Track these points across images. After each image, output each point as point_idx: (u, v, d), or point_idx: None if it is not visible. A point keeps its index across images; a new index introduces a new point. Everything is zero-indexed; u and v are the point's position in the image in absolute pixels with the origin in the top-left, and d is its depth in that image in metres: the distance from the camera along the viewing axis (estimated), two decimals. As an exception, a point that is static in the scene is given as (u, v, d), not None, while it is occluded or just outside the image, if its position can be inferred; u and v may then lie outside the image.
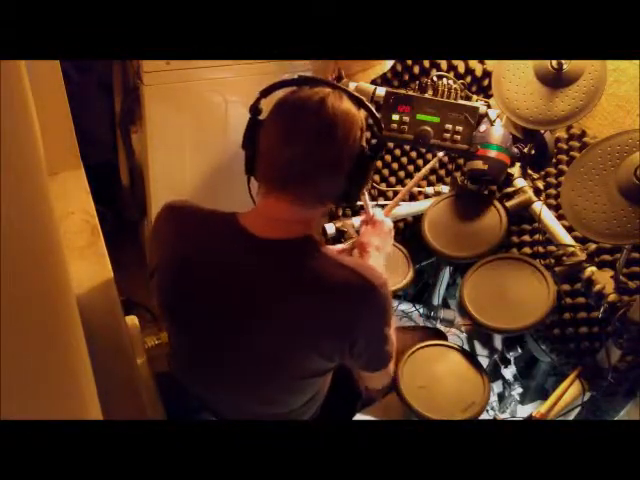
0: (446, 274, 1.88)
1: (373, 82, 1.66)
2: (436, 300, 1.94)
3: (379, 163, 1.78)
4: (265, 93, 0.92)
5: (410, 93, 1.47)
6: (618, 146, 1.14)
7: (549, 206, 1.47)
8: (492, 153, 1.37)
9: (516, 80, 1.33)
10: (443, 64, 1.64)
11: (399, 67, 1.71)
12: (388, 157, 1.78)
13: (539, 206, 1.40)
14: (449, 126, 1.43)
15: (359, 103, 0.86)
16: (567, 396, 1.33)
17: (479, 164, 1.38)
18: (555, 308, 1.29)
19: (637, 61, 1.33)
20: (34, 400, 0.45)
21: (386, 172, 1.79)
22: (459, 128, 1.42)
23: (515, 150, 1.41)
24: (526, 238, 1.57)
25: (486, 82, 1.59)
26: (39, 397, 0.46)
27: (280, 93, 0.90)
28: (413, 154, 1.77)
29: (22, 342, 0.43)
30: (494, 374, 1.78)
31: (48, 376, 0.47)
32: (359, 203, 0.99)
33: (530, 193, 1.43)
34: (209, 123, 1.65)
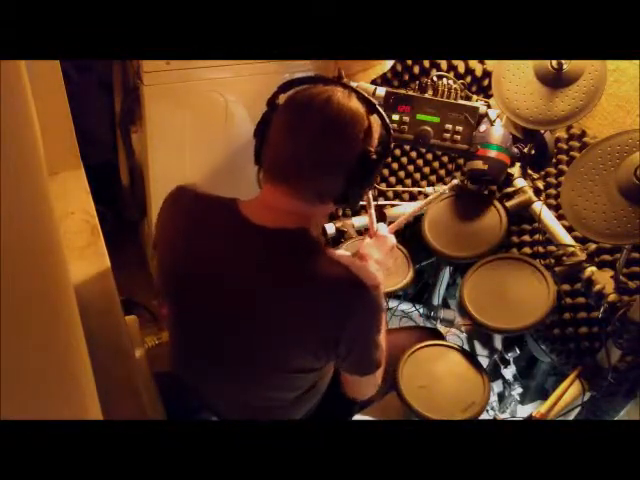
0: (446, 274, 1.88)
1: (373, 82, 1.66)
2: (436, 300, 1.94)
3: (379, 163, 1.78)
4: (284, 88, 0.93)
5: (410, 93, 1.47)
6: (618, 146, 1.14)
7: (549, 206, 1.46)
8: (492, 153, 1.37)
9: (516, 80, 1.33)
10: (443, 64, 1.64)
11: (399, 67, 1.71)
12: (388, 157, 1.78)
13: (539, 206, 1.40)
14: (449, 126, 1.43)
15: (370, 107, 0.86)
16: (567, 396, 1.33)
17: (479, 164, 1.38)
18: (555, 308, 1.29)
19: (637, 61, 1.33)
20: (34, 400, 0.45)
21: (386, 172, 1.79)
22: (459, 128, 1.42)
23: (515, 150, 1.41)
24: (526, 238, 1.57)
25: (486, 82, 1.59)
26: (39, 397, 0.46)
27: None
28: (413, 154, 1.77)
29: (22, 342, 0.43)
30: (494, 374, 1.78)
31: (48, 376, 0.47)
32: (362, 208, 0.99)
33: (530, 193, 1.43)
34: (209, 123, 1.65)
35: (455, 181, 1.28)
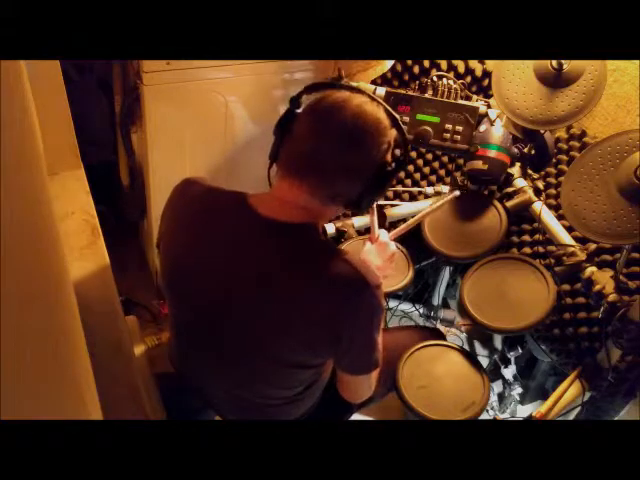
0: (446, 274, 1.88)
1: (373, 82, 1.66)
2: (436, 300, 1.94)
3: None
4: (309, 90, 0.94)
5: (410, 93, 1.47)
6: (618, 146, 1.14)
7: (549, 206, 1.47)
8: (492, 153, 1.37)
9: (516, 80, 1.33)
10: (443, 64, 1.64)
11: (399, 67, 1.71)
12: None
13: (539, 206, 1.40)
14: (449, 126, 1.43)
15: (393, 120, 0.88)
16: (567, 396, 1.33)
17: (479, 164, 1.38)
18: (555, 308, 1.29)
19: (637, 61, 1.33)
20: (34, 400, 0.45)
21: (386, 172, 1.79)
22: (459, 128, 1.42)
23: (515, 150, 1.41)
24: (526, 238, 1.57)
25: (486, 82, 1.59)
26: (39, 397, 0.46)
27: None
28: (413, 154, 1.77)
29: (22, 342, 0.43)
30: (494, 374, 1.78)
31: (48, 376, 0.47)
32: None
33: (530, 193, 1.43)
34: (209, 123, 1.65)
35: (457, 192, 1.28)
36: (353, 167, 0.85)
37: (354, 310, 0.86)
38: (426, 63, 1.67)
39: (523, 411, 1.75)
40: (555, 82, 1.29)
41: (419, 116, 1.44)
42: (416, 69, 1.68)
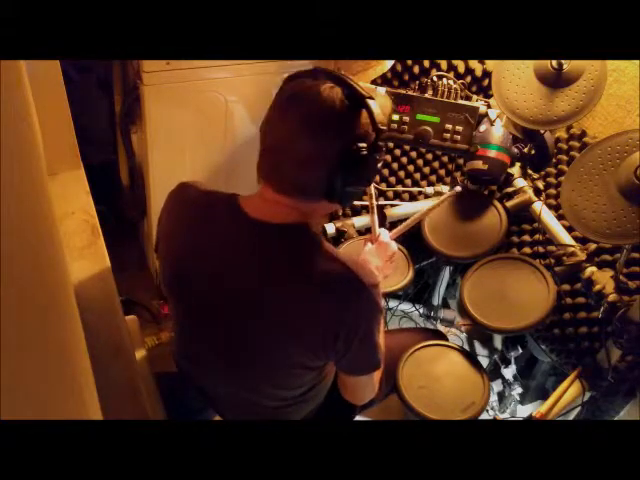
0: (446, 274, 1.88)
1: (373, 82, 1.66)
2: (436, 300, 1.94)
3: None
4: (288, 82, 0.88)
5: (410, 93, 1.47)
6: (618, 146, 1.14)
7: (549, 206, 1.47)
8: (492, 153, 1.37)
9: (516, 80, 1.33)
10: (443, 64, 1.64)
11: (399, 67, 1.71)
12: (388, 157, 1.78)
13: (539, 206, 1.40)
14: (449, 126, 1.43)
15: (360, 101, 0.82)
16: (567, 396, 1.33)
17: (479, 164, 1.38)
18: (555, 308, 1.29)
19: (637, 61, 1.33)
20: (34, 400, 0.45)
21: (386, 172, 1.79)
22: (459, 128, 1.42)
23: (515, 150, 1.41)
24: (526, 238, 1.57)
25: (486, 82, 1.59)
26: (39, 397, 0.46)
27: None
28: (413, 154, 1.77)
29: (22, 342, 0.43)
30: (494, 374, 1.78)
31: (48, 376, 0.47)
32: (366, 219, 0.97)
33: (530, 193, 1.43)
34: (209, 123, 1.65)
35: (458, 188, 1.27)
36: (309, 156, 0.81)
37: (349, 310, 0.85)
38: (426, 63, 1.67)
39: (523, 411, 1.75)
40: (555, 82, 1.29)
41: (419, 116, 1.44)
42: (416, 69, 1.68)
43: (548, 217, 1.40)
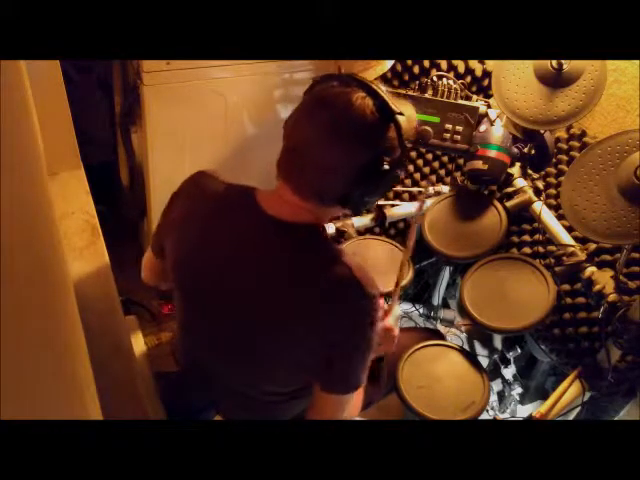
0: (446, 274, 1.88)
1: (373, 82, 1.66)
2: (436, 300, 1.94)
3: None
4: (319, 83, 0.88)
5: (410, 93, 1.47)
6: (618, 146, 1.14)
7: (549, 206, 1.47)
8: (492, 153, 1.37)
9: (516, 80, 1.33)
10: (443, 64, 1.64)
11: (399, 67, 1.71)
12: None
13: (539, 206, 1.40)
14: (449, 126, 1.43)
15: (390, 115, 0.82)
16: (567, 396, 1.33)
17: (479, 164, 1.38)
18: (555, 308, 1.29)
19: (637, 61, 1.33)
20: (34, 400, 0.45)
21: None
22: (459, 128, 1.42)
23: (515, 150, 1.41)
24: (526, 238, 1.57)
25: (486, 82, 1.59)
26: (39, 397, 0.46)
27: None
28: (413, 154, 1.77)
29: (22, 342, 0.43)
30: (494, 374, 1.78)
31: (48, 376, 0.47)
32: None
33: (530, 193, 1.43)
34: (209, 123, 1.65)
35: (431, 189, 1.25)
36: (332, 163, 0.82)
37: (347, 316, 0.85)
38: (426, 63, 1.67)
39: (523, 411, 1.75)
40: (555, 82, 1.29)
41: (419, 116, 1.44)
42: (416, 69, 1.69)
43: (548, 217, 1.40)
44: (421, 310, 1.95)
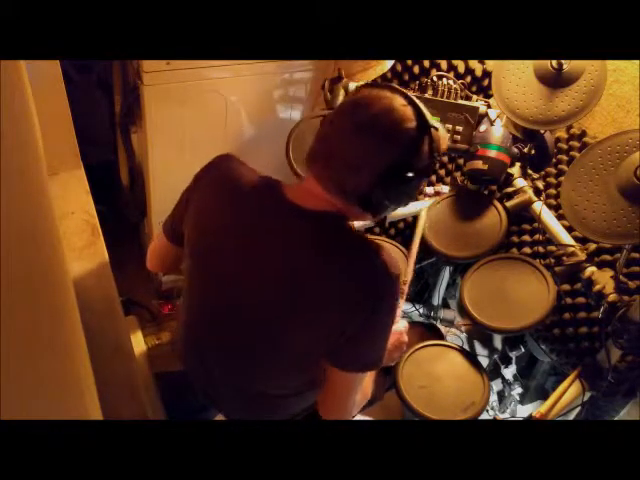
0: (446, 274, 1.88)
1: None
2: (436, 300, 1.94)
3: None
4: (364, 87, 0.90)
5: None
6: (618, 146, 1.14)
7: (549, 206, 1.47)
8: (492, 153, 1.37)
9: (516, 80, 1.33)
10: (443, 64, 1.64)
11: (399, 67, 1.71)
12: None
13: (539, 206, 1.40)
14: (449, 126, 1.43)
15: (426, 127, 0.85)
16: (567, 396, 1.33)
17: (479, 164, 1.38)
18: (555, 308, 1.29)
19: (637, 61, 1.33)
20: (34, 400, 0.45)
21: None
22: (459, 128, 1.42)
23: (515, 150, 1.41)
24: (526, 238, 1.57)
25: (486, 82, 1.59)
26: (39, 397, 0.46)
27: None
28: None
29: (22, 342, 0.43)
30: (494, 374, 1.78)
31: (48, 376, 0.47)
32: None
33: (530, 193, 1.43)
34: (209, 123, 1.65)
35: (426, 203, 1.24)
36: (360, 158, 0.84)
37: (371, 294, 0.86)
38: (426, 63, 1.67)
39: (523, 411, 1.75)
40: (555, 82, 1.29)
41: (419, 116, 1.44)
42: (416, 69, 1.69)
43: (548, 217, 1.40)
44: (421, 310, 1.95)
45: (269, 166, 0.98)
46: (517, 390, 1.73)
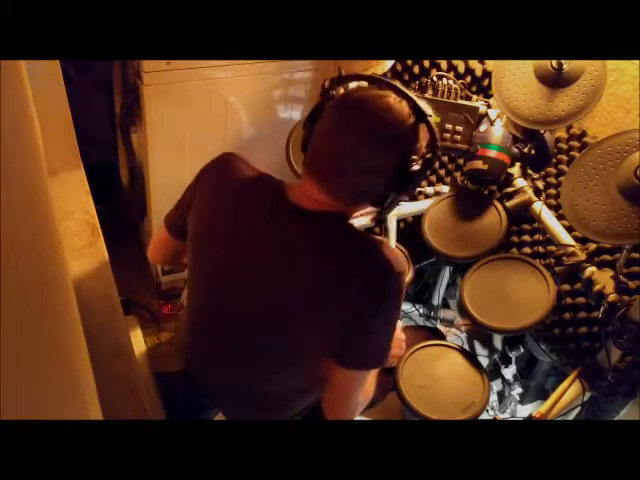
0: (446, 274, 1.88)
1: (373, 82, 1.66)
2: (436, 300, 1.94)
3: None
4: (338, 81, 0.92)
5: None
6: (618, 146, 1.14)
7: (549, 206, 1.47)
8: (492, 153, 1.37)
9: (516, 80, 1.33)
10: (443, 64, 1.65)
11: (399, 67, 1.71)
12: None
13: (539, 206, 1.40)
14: (449, 126, 1.43)
15: (421, 116, 0.85)
16: (567, 396, 1.33)
17: (479, 164, 1.38)
18: (555, 308, 1.29)
19: (637, 61, 1.33)
20: (34, 400, 0.45)
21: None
22: (459, 128, 1.42)
23: (515, 150, 1.41)
24: (526, 238, 1.57)
25: (486, 82, 1.59)
26: (39, 397, 0.46)
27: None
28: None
29: (22, 342, 0.43)
30: (494, 374, 1.78)
31: (48, 376, 0.47)
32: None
33: (530, 193, 1.43)
34: (209, 123, 1.65)
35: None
36: (374, 166, 0.84)
37: (374, 291, 0.86)
38: (426, 63, 1.67)
39: (523, 411, 1.76)
40: (555, 82, 1.29)
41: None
42: (416, 69, 1.69)
43: (548, 217, 1.40)
44: (421, 310, 1.95)
45: (269, 166, 0.98)
46: (517, 390, 1.73)
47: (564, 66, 1.27)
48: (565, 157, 1.50)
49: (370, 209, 0.95)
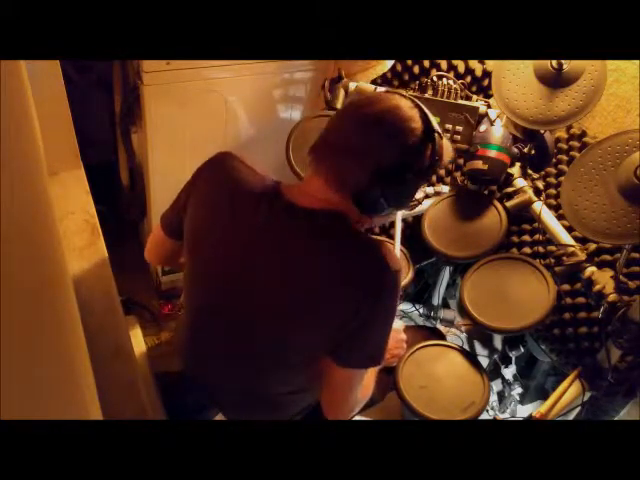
0: (446, 274, 1.88)
1: (373, 82, 1.66)
2: (436, 300, 1.94)
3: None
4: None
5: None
6: (618, 146, 1.14)
7: (549, 206, 1.47)
8: (492, 153, 1.37)
9: (516, 80, 1.33)
10: (443, 64, 1.64)
11: (399, 67, 1.71)
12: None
13: (539, 206, 1.40)
14: (449, 126, 1.43)
15: (428, 130, 0.86)
16: (567, 396, 1.33)
17: (479, 164, 1.38)
18: (555, 308, 1.29)
19: (637, 61, 1.33)
20: (34, 400, 0.45)
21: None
22: (459, 128, 1.42)
23: (515, 150, 1.41)
24: (526, 238, 1.57)
25: (486, 82, 1.59)
26: (39, 397, 0.46)
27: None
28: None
29: (22, 342, 0.43)
30: (494, 374, 1.78)
31: (48, 376, 0.47)
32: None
33: (530, 193, 1.43)
34: (209, 123, 1.65)
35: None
36: (363, 151, 0.85)
37: (371, 289, 0.86)
38: (426, 63, 1.67)
39: (523, 411, 1.75)
40: (555, 82, 1.29)
41: (419, 116, 1.44)
42: (416, 69, 1.68)
43: (548, 217, 1.40)
44: (421, 310, 1.95)
45: (269, 166, 0.98)
46: (517, 390, 1.73)
47: (564, 66, 1.27)
48: (565, 157, 1.49)
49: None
